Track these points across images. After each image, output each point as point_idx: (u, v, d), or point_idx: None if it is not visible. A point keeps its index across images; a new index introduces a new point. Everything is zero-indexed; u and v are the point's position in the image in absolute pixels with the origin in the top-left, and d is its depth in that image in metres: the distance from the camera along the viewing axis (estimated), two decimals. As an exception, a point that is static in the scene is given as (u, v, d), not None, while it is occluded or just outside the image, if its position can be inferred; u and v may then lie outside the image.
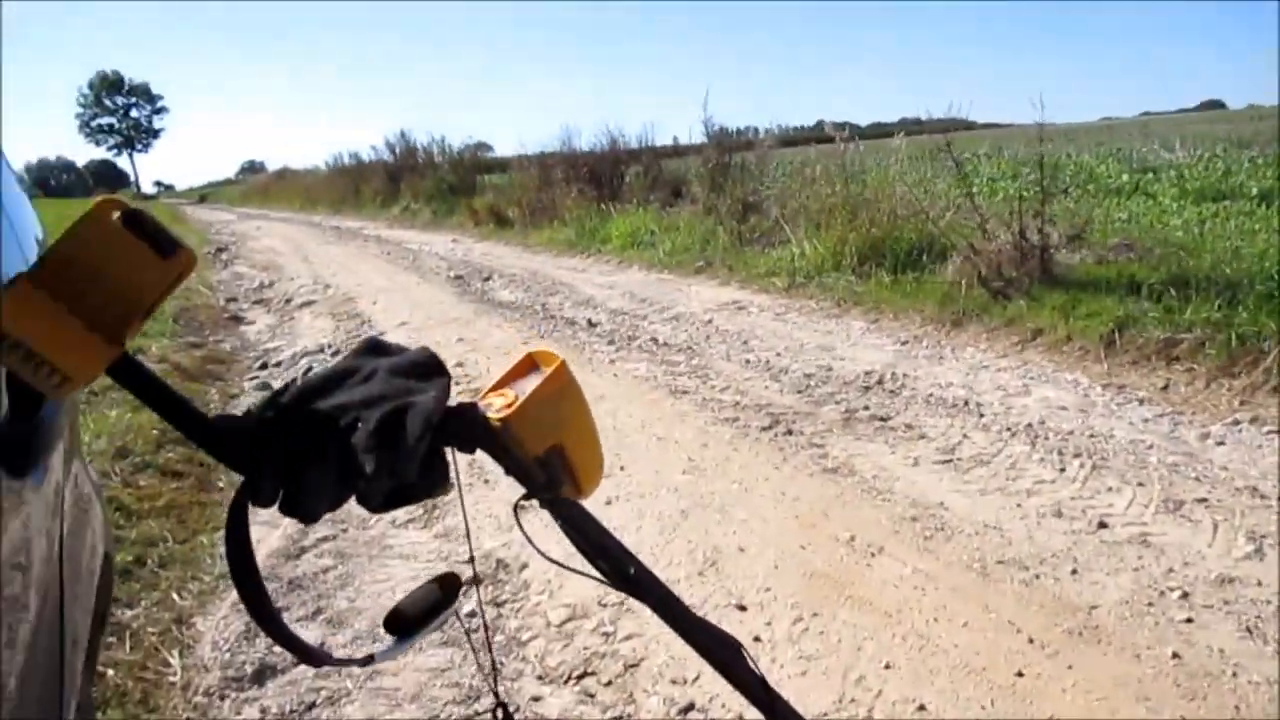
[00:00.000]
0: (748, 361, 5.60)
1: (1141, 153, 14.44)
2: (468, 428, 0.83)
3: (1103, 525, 3.16)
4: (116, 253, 0.71)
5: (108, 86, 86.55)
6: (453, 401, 0.82)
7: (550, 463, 0.86)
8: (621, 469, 3.96)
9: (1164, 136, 17.02)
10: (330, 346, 6.98)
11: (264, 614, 0.76)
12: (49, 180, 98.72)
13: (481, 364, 5.97)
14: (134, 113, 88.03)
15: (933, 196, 8.48)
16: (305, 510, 0.76)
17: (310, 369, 6.41)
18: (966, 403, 4.56)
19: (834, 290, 7.44)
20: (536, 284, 9.39)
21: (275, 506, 0.76)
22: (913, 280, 7.09)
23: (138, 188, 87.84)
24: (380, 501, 0.78)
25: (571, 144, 16.07)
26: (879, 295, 7.02)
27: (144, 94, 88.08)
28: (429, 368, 0.84)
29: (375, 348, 0.88)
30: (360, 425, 0.76)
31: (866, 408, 4.56)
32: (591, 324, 7.02)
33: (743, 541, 3.22)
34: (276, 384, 6.23)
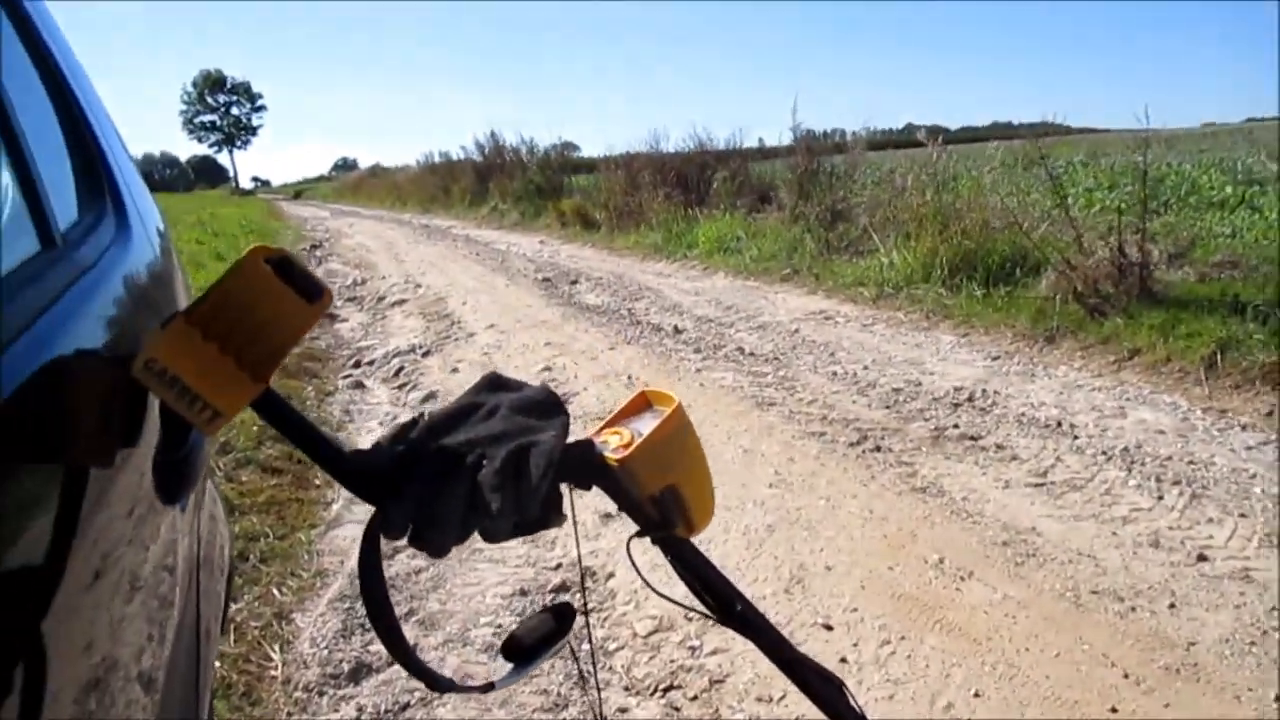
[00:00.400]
0: (835, 374, 5.58)
1: (1246, 163, 13.93)
2: (586, 466, 0.86)
3: (1202, 558, 3.08)
4: (267, 297, 0.76)
5: (211, 85, 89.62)
6: (570, 438, 0.86)
7: (664, 502, 0.88)
8: (707, 480, 3.97)
9: (1270, 145, 16.38)
10: (421, 347, 7.12)
11: (394, 639, 0.80)
12: (152, 174, 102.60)
13: (570, 369, 6.04)
14: (235, 110, 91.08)
15: (1026, 207, 8.32)
16: (433, 543, 0.80)
17: (401, 369, 6.56)
18: (1060, 424, 4.48)
19: (923, 302, 7.35)
20: (623, 288, 9.46)
21: (405, 538, 0.80)
22: (1005, 294, 6.96)
23: (236, 183, 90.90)
24: (503, 537, 0.82)
25: (659, 146, 16.20)
26: (969, 309, 6.92)
27: (245, 92, 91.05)
28: (549, 406, 0.87)
29: (496, 383, 0.92)
30: (486, 463, 0.80)
31: (956, 426, 4.50)
32: (678, 331, 7.05)
33: (830, 560, 3.22)
34: (369, 382, 6.42)
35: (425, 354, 6.93)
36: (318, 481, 4.20)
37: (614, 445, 0.87)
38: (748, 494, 3.82)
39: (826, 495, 3.76)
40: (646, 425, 0.89)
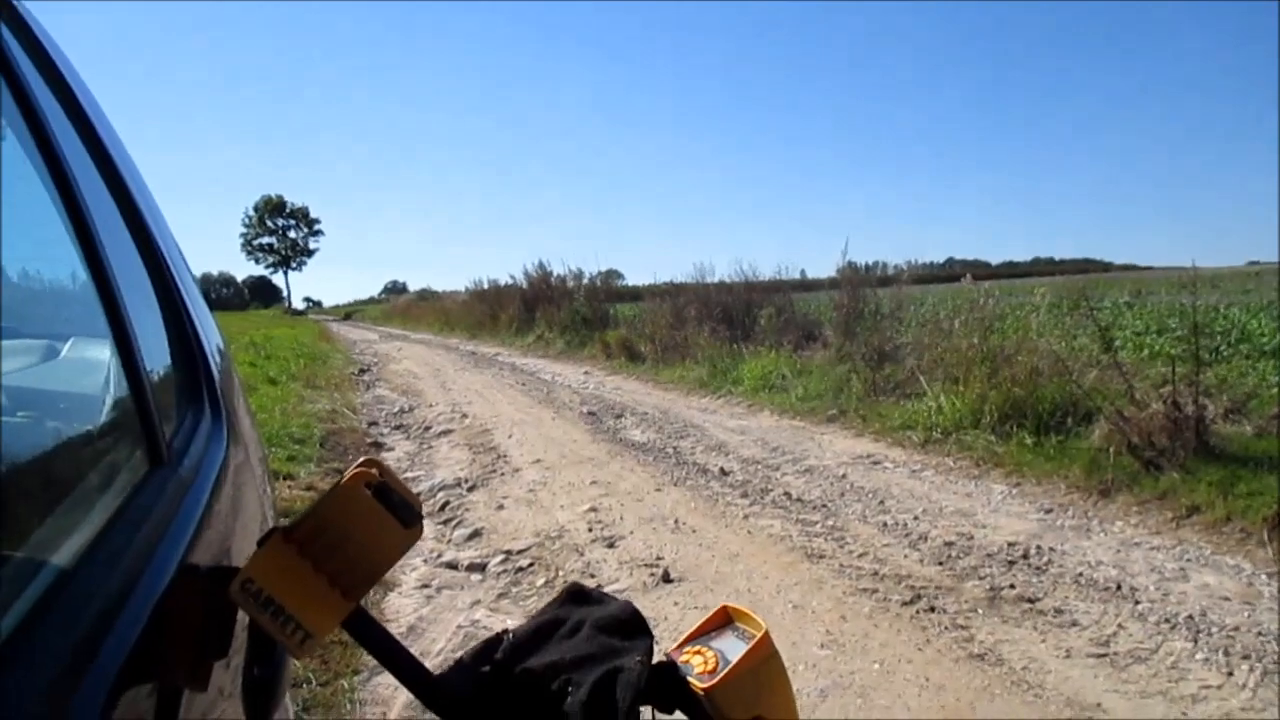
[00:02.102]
0: (885, 525, 5.49)
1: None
2: (670, 692, 0.86)
3: (1279, 745, 2.95)
4: (365, 522, 0.78)
5: (271, 209, 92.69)
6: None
7: (751, 733, 0.87)
8: (757, 638, 3.89)
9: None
10: (466, 481, 7.13)
11: None
12: (209, 293, 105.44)
13: (615, 510, 6.01)
14: (292, 234, 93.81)
15: (1075, 352, 8.28)
16: None
17: (447, 504, 6.56)
18: (1119, 586, 4.36)
19: (973, 449, 7.27)
20: (668, 424, 9.46)
21: None
22: (1056, 443, 6.88)
23: (289, 304, 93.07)
24: None
25: (704, 279, 16.46)
26: (1020, 457, 6.83)
27: (303, 217, 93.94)
28: (632, 626, 0.87)
29: (579, 596, 0.92)
30: (571, 691, 0.80)
31: (1012, 586, 4.39)
32: (724, 472, 7.02)
33: (886, 732, 3.12)
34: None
35: (471, 489, 6.93)
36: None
37: (698, 669, 0.86)
38: (799, 654, 3.74)
39: (880, 659, 3.67)
40: (731, 648, 0.88)
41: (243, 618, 0.78)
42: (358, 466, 0.81)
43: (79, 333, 1.35)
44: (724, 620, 0.95)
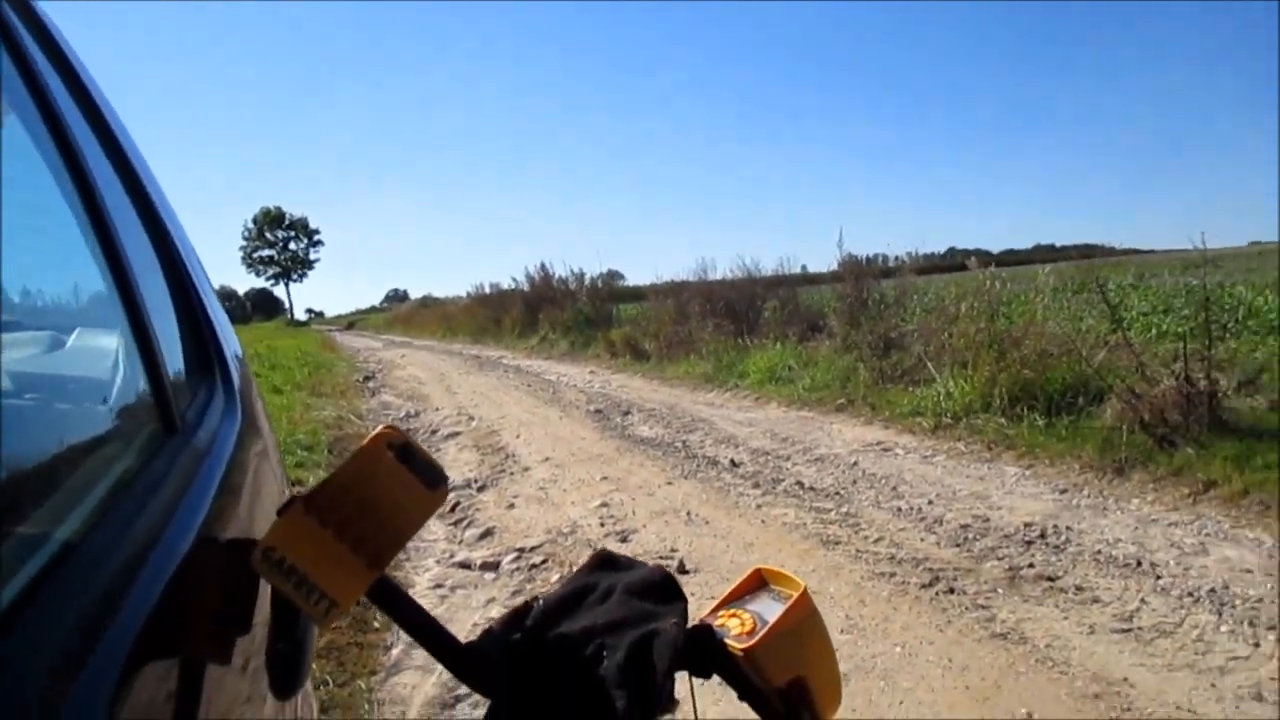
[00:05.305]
0: (899, 510, 5.45)
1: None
2: (708, 655, 0.82)
3: (1312, 713, 2.91)
4: (389, 485, 0.75)
5: (270, 221, 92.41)
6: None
7: (791, 695, 0.84)
8: (776, 625, 3.86)
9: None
10: (476, 481, 7.10)
11: None
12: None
13: (627, 504, 5.98)
14: (292, 245, 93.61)
15: (1082, 333, 8.24)
16: None
17: (457, 504, 6.53)
18: (1139, 562, 4.32)
19: (983, 432, 7.23)
20: (675, 419, 9.43)
21: None
22: (1068, 424, 6.83)
23: (291, 315, 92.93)
24: None
25: (706, 275, 16.43)
26: (1032, 439, 6.79)
27: (303, 228, 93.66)
28: (666, 589, 0.84)
29: (608, 562, 0.89)
30: (606, 655, 0.77)
31: (1031, 565, 4.35)
32: (734, 464, 6.98)
33: (911, 714, 3.08)
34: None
35: (481, 489, 6.90)
36: (376, 624, 4.14)
37: (735, 631, 0.83)
38: (819, 640, 3.69)
39: (901, 641, 3.63)
40: (769, 610, 0.85)
41: (264, 590, 0.75)
42: (379, 432, 0.77)
43: (85, 324, 1.33)
44: (758, 583, 0.92)
